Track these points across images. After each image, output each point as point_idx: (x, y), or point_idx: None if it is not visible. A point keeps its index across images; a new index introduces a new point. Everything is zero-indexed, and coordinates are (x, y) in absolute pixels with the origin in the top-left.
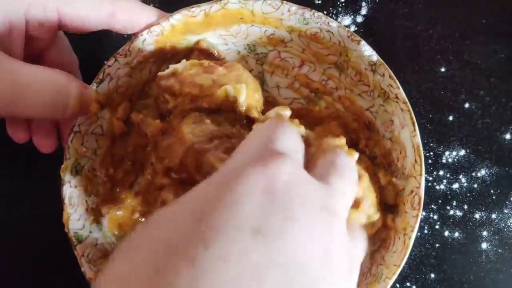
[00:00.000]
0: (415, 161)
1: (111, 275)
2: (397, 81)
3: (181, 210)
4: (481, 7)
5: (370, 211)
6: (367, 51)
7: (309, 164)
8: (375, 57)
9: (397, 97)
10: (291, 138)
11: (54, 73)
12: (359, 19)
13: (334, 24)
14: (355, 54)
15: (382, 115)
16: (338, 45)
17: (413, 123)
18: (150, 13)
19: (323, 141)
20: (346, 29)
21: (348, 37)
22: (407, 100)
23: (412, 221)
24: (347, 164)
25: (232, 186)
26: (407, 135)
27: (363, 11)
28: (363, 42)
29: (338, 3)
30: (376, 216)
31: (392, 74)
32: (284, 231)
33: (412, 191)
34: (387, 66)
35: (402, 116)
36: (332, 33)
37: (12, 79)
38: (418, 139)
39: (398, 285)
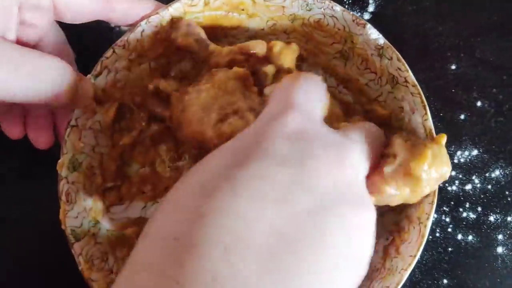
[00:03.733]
0: None
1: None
2: (405, 64)
3: (220, 156)
4: (491, 3)
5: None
6: (373, 34)
7: None
8: (381, 40)
9: (406, 81)
10: (308, 90)
11: (48, 57)
12: (366, 16)
13: (338, 8)
14: (361, 39)
15: (391, 103)
16: (343, 31)
17: (424, 106)
18: (147, 4)
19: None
20: (351, 13)
21: (353, 21)
22: (416, 83)
23: (427, 208)
24: (373, 129)
25: (258, 140)
26: (418, 119)
27: (371, 8)
28: (368, 25)
29: (345, 0)
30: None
31: (400, 56)
32: (303, 162)
33: None
34: (394, 49)
35: (412, 101)
36: (336, 18)
37: (6, 60)
38: (430, 122)
39: None
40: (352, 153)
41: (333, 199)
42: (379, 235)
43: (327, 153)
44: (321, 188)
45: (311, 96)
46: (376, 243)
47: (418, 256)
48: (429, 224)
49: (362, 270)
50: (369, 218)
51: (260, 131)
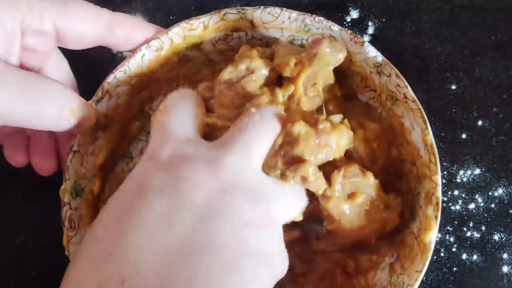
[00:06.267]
0: (430, 160)
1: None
2: (404, 80)
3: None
4: (489, 23)
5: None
6: (372, 52)
7: None
8: (380, 57)
9: (405, 97)
10: (176, 113)
11: (50, 81)
12: (366, 38)
13: (336, 27)
14: (359, 58)
15: (391, 120)
16: None
17: (424, 121)
18: (148, 29)
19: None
20: (349, 31)
21: (351, 39)
22: (416, 99)
23: (431, 223)
24: (257, 118)
25: (140, 180)
26: (418, 135)
27: (370, 30)
28: (366, 43)
29: (345, 23)
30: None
31: (398, 73)
32: (178, 187)
33: (429, 192)
34: (393, 66)
35: (412, 116)
36: (335, 37)
37: (9, 83)
38: (430, 137)
39: None
40: (227, 157)
41: (212, 207)
42: (384, 252)
43: (196, 168)
44: (199, 202)
45: (180, 116)
46: (382, 261)
47: (424, 272)
48: (434, 238)
49: (271, 263)
50: (263, 210)
51: (141, 170)
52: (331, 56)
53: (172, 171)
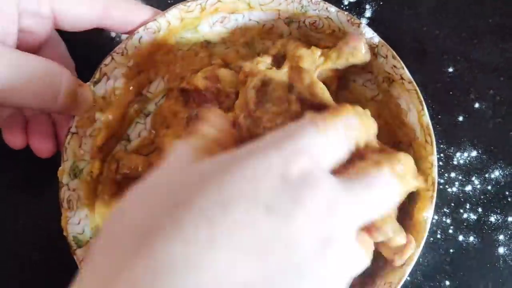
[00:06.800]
0: (426, 141)
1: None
2: (400, 61)
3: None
4: (487, 6)
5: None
6: (368, 33)
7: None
8: (376, 38)
9: (402, 78)
10: (317, 144)
11: (46, 61)
12: (364, 21)
13: (332, 8)
14: None
15: (388, 101)
16: (338, 32)
17: (420, 102)
18: (144, 11)
19: (379, 156)
20: (345, 13)
21: (348, 21)
22: (412, 80)
23: (426, 202)
24: (386, 183)
25: (253, 161)
26: (415, 116)
27: (368, 13)
28: (363, 25)
29: (342, 6)
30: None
31: (395, 54)
32: (292, 215)
33: (425, 173)
34: (389, 47)
35: (408, 97)
36: (331, 18)
37: (4, 63)
38: (426, 118)
39: None
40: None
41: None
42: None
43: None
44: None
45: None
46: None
47: (419, 250)
48: (430, 217)
49: None
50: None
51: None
52: (363, 56)
53: (293, 189)
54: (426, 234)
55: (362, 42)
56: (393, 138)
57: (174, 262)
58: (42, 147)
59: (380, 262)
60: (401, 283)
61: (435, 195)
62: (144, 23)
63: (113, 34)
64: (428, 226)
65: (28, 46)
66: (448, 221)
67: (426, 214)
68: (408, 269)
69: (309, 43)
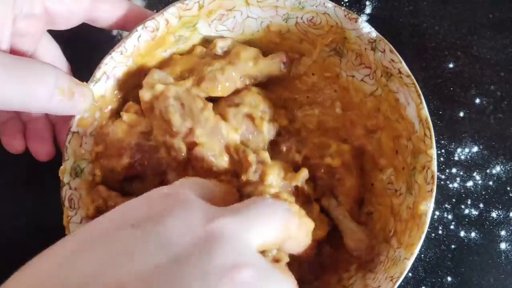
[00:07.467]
0: (424, 134)
1: None
2: (398, 55)
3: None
4: (487, 2)
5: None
6: (365, 28)
7: None
8: (374, 33)
9: (400, 72)
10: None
11: (41, 63)
12: (364, 18)
13: (330, 4)
14: (354, 34)
15: (387, 96)
16: (336, 27)
17: (418, 95)
18: (131, 8)
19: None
20: (343, 8)
21: (345, 16)
22: (410, 74)
23: (426, 197)
24: (271, 205)
25: None
26: (413, 109)
27: (368, 10)
28: (360, 19)
29: (342, 2)
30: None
31: (392, 48)
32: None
33: (424, 167)
34: (387, 42)
35: (407, 91)
36: (329, 14)
37: None
38: (425, 111)
39: None
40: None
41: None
42: (382, 227)
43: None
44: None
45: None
46: (379, 236)
47: (419, 244)
48: (430, 213)
49: None
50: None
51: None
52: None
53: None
54: (426, 227)
55: None
56: (393, 132)
57: None
58: (41, 151)
59: (382, 257)
60: (402, 277)
61: (434, 188)
62: (143, 21)
63: (113, 33)
64: (428, 219)
65: (23, 49)
66: (450, 217)
67: (426, 207)
68: (409, 262)
69: (308, 41)
